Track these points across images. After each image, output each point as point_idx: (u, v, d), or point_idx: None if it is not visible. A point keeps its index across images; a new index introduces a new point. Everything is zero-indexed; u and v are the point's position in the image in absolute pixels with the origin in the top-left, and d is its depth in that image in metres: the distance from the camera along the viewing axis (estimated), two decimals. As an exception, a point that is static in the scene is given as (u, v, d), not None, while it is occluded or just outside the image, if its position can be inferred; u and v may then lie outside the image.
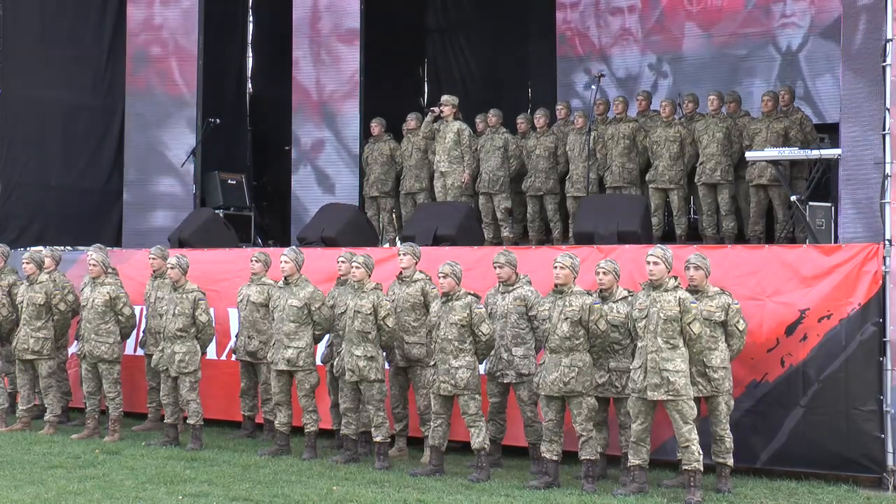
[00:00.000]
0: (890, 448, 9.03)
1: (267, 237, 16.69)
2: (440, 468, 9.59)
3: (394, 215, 14.72)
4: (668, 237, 13.26)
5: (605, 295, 9.22)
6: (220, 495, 8.77)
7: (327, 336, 10.71)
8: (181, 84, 15.49)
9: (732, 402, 9.09)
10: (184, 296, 10.93)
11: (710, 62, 15.43)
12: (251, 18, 18.45)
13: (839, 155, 10.70)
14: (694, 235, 13.45)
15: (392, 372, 10.44)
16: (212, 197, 15.72)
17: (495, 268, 9.77)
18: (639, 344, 8.74)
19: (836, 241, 10.96)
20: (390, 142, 14.79)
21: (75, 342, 12.07)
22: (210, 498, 8.70)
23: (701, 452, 8.60)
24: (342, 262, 10.63)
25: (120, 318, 11.41)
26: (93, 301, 11.36)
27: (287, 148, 16.33)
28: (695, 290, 8.94)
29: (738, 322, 9.00)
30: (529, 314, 9.64)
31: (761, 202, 12.84)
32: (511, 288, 9.74)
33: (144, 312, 11.98)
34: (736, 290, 9.29)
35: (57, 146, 15.64)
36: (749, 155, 12.46)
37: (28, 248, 12.81)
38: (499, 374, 9.73)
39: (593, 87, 13.68)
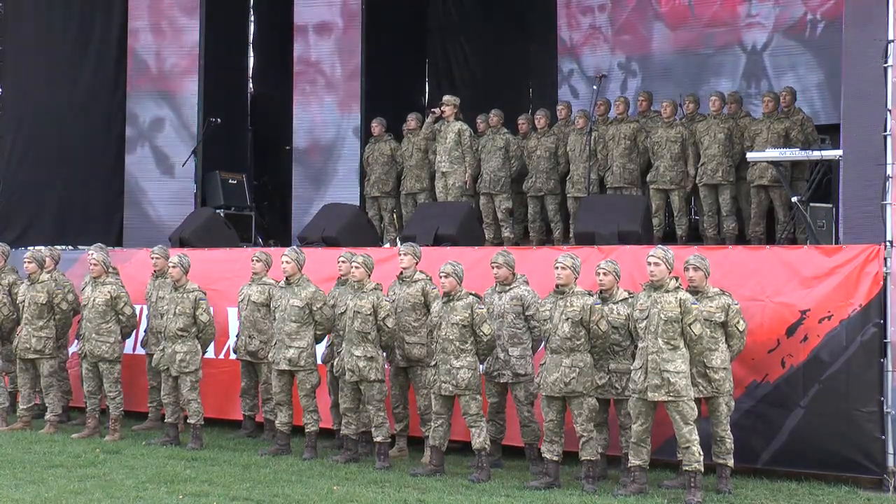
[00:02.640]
0: (890, 449, 9.02)
1: (268, 237, 16.70)
2: (440, 468, 9.59)
3: (394, 215, 14.73)
4: (668, 238, 13.27)
5: (605, 296, 9.22)
6: (220, 495, 8.77)
7: (328, 336, 10.72)
8: (182, 83, 15.50)
9: (733, 403, 9.09)
10: (185, 295, 10.94)
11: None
12: (252, 18, 18.45)
13: (840, 156, 10.71)
14: (695, 236, 13.46)
15: (392, 372, 10.44)
16: (212, 196, 15.72)
17: (493, 268, 9.77)
18: (639, 345, 8.74)
19: (836, 242, 10.97)
20: (391, 142, 14.81)
21: (75, 341, 12.08)
22: (210, 497, 8.70)
23: (701, 453, 8.59)
24: (342, 262, 10.63)
25: (121, 317, 11.41)
26: (94, 300, 11.36)
27: (288, 147, 16.35)
28: (694, 291, 8.94)
29: (738, 323, 9.00)
30: (526, 314, 9.65)
31: (762, 203, 12.84)
32: (508, 288, 9.74)
33: (145, 312, 11.98)
34: (737, 291, 9.29)
35: (58, 146, 15.62)
36: (750, 156, 12.47)
37: (29, 248, 12.81)
38: (495, 374, 9.73)
39: (594, 87, 13.68)
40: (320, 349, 10.82)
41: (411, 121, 14.72)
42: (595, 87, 13.63)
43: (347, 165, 15.47)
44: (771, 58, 14.94)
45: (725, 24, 15.25)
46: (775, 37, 14.96)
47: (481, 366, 9.69)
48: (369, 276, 10.11)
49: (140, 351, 12.20)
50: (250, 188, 16.35)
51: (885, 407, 9.06)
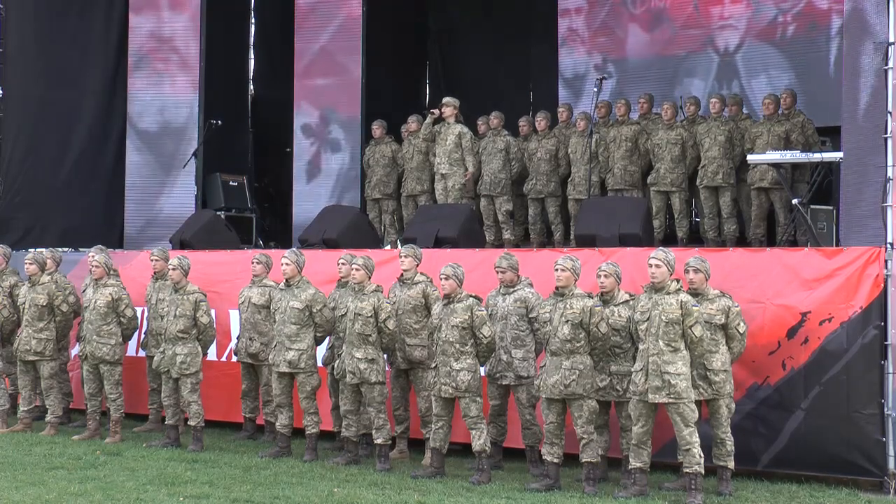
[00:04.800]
0: (891, 451, 9.02)
1: (268, 239, 16.69)
2: (441, 470, 9.59)
3: (395, 217, 14.72)
4: (669, 240, 13.25)
5: (606, 298, 9.21)
6: (220, 497, 8.77)
7: (328, 338, 10.72)
8: (183, 85, 15.49)
9: (733, 405, 9.10)
10: (185, 297, 10.93)
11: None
12: (253, 20, 18.45)
13: (840, 158, 10.71)
14: (695, 238, 13.45)
15: (393, 374, 10.44)
16: (213, 198, 15.73)
17: (497, 272, 9.79)
18: (640, 346, 8.75)
19: (837, 245, 10.97)
20: (392, 144, 14.80)
21: (77, 343, 12.08)
22: (211, 499, 8.70)
23: (702, 455, 8.59)
24: (342, 263, 10.64)
25: (122, 319, 11.41)
26: (95, 302, 11.37)
27: (288, 149, 16.34)
28: (695, 293, 8.94)
29: (738, 325, 9.00)
30: (530, 316, 9.65)
31: (763, 205, 12.84)
32: (511, 290, 9.75)
33: (146, 314, 11.98)
34: (737, 293, 9.29)
35: (59, 147, 15.63)
36: (751, 158, 12.46)
37: (30, 250, 12.81)
38: (498, 376, 9.75)
39: (595, 88, 13.68)
40: (321, 351, 10.81)
41: (412, 123, 14.71)
42: (595, 90, 13.62)
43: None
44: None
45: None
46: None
47: (483, 368, 9.69)
48: (370, 277, 10.11)
49: (141, 353, 12.19)
50: (251, 190, 16.36)
51: (885, 409, 9.07)
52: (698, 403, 8.75)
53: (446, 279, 9.54)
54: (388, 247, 13.70)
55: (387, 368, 10.27)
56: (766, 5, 14.88)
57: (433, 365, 9.66)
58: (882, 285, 9.19)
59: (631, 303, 9.04)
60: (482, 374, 9.66)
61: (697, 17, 15.36)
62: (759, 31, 14.93)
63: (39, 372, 11.81)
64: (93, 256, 11.57)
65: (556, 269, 9.12)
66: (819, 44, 14.41)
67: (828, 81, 13.89)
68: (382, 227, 14.77)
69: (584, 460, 9.02)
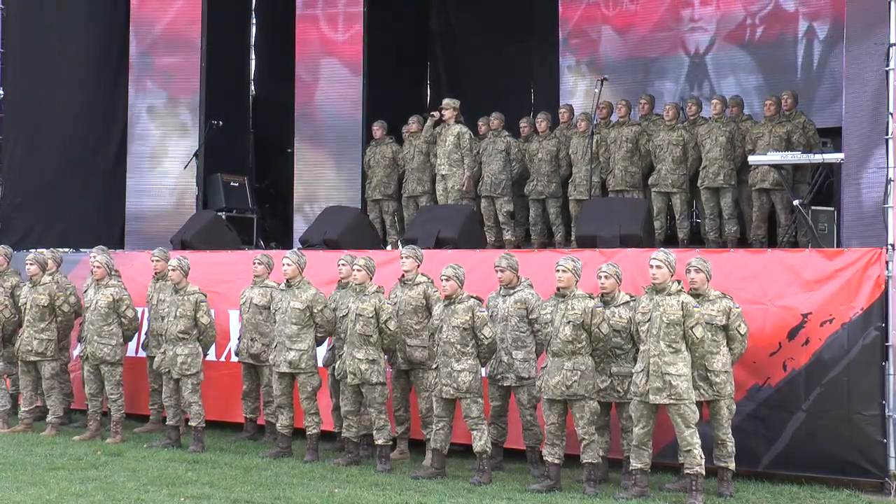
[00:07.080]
0: (892, 453, 9.03)
1: (269, 239, 16.70)
2: (442, 471, 9.60)
3: (396, 218, 14.72)
4: (670, 241, 13.26)
5: (606, 299, 9.22)
6: (221, 497, 8.77)
7: (329, 338, 10.72)
8: (184, 86, 15.49)
9: (734, 406, 9.09)
10: (185, 298, 10.94)
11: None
12: (254, 20, 18.45)
13: (842, 159, 10.72)
14: (696, 239, 13.45)
15: (394, 375, 10.44)
16: (214, 199, 15.73)
17: (497, 271, 9.79)
18: (641, 347, 8.75)
19: (838, 246, 10.98)
20: (392, 144, 14.80)
21: (78, 344, 12.08)
22: (212, 500, 8.70)
23: (703, 456, 8.59)
24: (343, 264, 10.64)
25: (123, 320, 11.41)
26: (96, 303, 11.37)
27: (289, 150, 16.35)
28: (696, 294, 8.94)
29: (739, 326, 9.00)
30: (530, 317, 9.66)
31: (764, 206, 12.84)
32: (512, 291, 9.75)
33: (146, 315, 11.99)
34: (738, 294, 9.29)
35: (60, 147, 15.62)
36: (752, 159, 12.47)
37: (31, 250, 12.81)
38: (499, 377, 9.75)
39: (596, 90, 13.68)
40: (321, 352, 10.81)
41: (412, 123, 14.72)
42: (596, 91, 13.63)
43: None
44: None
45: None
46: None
47: (483, 369, 9.69)
48: (371, 278, 10.11)
49: (142, 353, 12.20)
50: (252, 191, 16.36)
51: (886, 410, 9.08)
52: (699, 404, 8.75)
53: (447, 280, 9.54)
54: (389, 247, 13.69)
55: (387, 369, 10.27)
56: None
57: (434, 366, 9.66)
58: (883, 286, 9.19)
59: (632, 304, 9.05)
60: (483, 375, 9.66)
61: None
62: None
63: (40, 372, 11.81)
64: (94, 257, 11.56)
65: (557, 270, 9.13)
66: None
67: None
68: (383, 228, 14.78)
69: (584, 461, 9.02)
